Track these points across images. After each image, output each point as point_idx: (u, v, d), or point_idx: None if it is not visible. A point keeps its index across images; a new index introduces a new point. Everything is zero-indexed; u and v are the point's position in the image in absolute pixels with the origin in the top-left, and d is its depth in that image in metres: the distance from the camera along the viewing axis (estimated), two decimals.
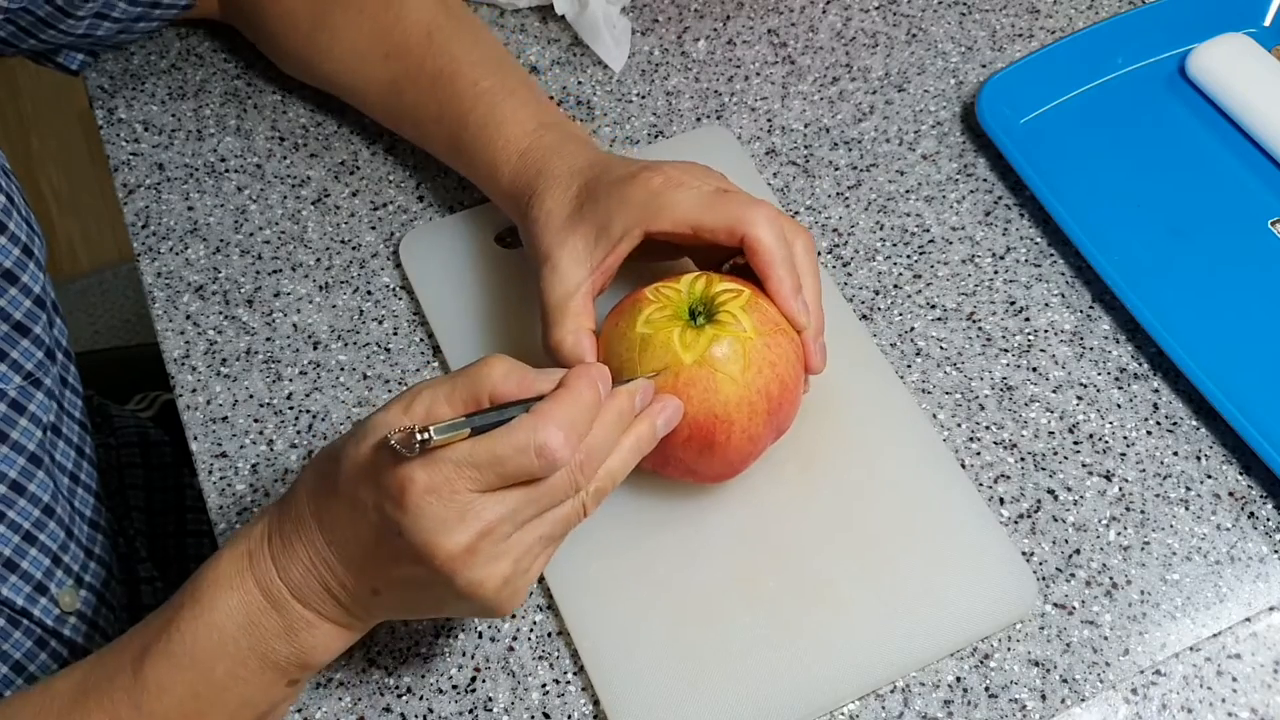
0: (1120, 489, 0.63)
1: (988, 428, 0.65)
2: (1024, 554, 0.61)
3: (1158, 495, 0.63)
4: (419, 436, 0.45)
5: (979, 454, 0.64)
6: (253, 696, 0.51)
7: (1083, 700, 0.57)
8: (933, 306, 0.69)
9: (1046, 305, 0.69)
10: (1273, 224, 0.72)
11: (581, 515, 0.51)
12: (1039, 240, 0.72)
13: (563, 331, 0.58)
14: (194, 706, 0.49)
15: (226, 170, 0.76)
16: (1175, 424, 0.65)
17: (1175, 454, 0.64)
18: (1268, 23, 0.80)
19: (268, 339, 0.69)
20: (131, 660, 0.50)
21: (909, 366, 0.67)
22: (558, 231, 0.60)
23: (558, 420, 0.47)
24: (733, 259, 0.60)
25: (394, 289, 0.71)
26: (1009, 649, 0.59)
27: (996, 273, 0.71)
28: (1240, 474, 0.64)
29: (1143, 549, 0.61)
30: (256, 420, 0.66)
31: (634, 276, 0.62)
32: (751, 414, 0.55)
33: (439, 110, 0.68)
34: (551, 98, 0.76)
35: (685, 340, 0.55)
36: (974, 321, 0.69)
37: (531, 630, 0.59)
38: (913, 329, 0.69)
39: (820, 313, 0.59)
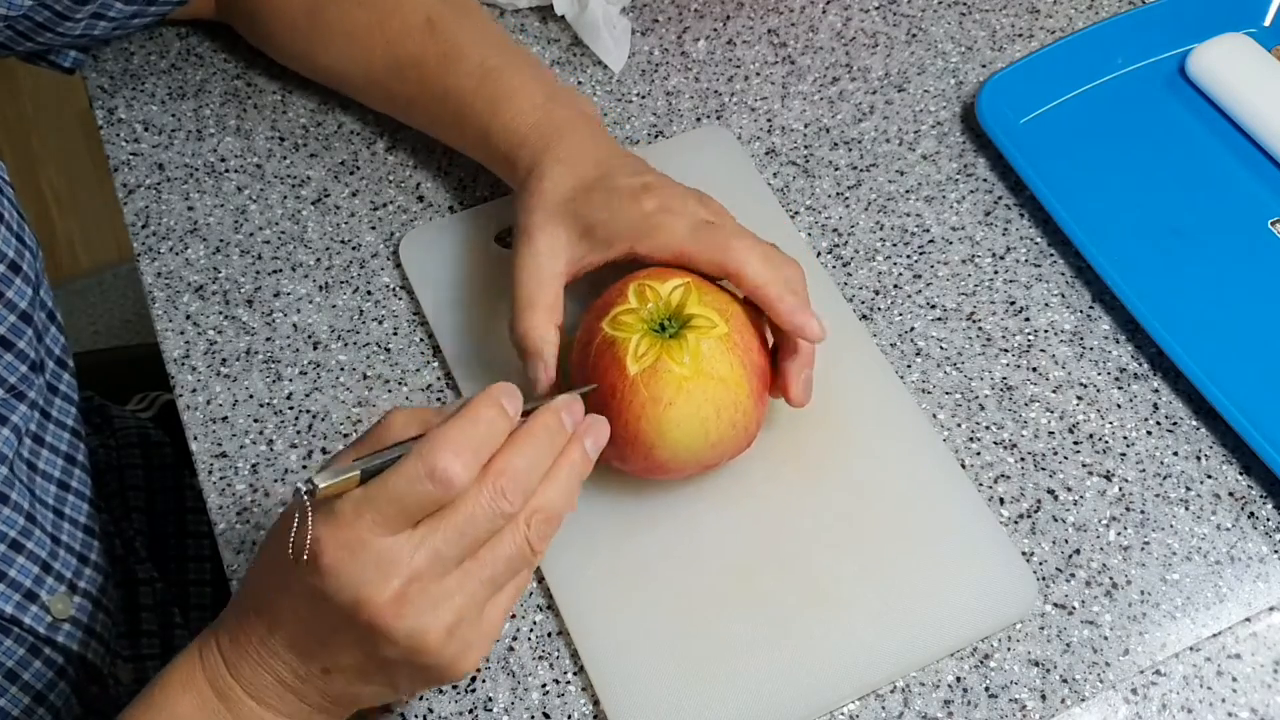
0: (1120, 489, 0.63)
1: (988, 428, 0.65)
2: (1024, 554, 0.61)
3: (1158, 495, 0.63)
4: (304, 489, 0.43)
5: (979, 454, 0.64)
6: None
7: (1083, 700, 0.57)
8: (933, 306, 0.69)
9: (1046, 305, 0.69)
10: (1273, 224, 0.72)
11: (529, 552, 0.47)
12: (1039, 240, 0.72)
13: (530, 323, 0.59)
14: None
15: (226, 170, 0.76)
16: (1175, 424, 0.65)
17: (1175, 454, 0.64)
18: (1268, 23, 0.80)
19: (268, 339, 0.69)
20: None
21: (909, 366, 0.67)
22: (548, 212, 0.61)
23: (447, 439, 0.44)
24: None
25: (394, 289, 0.71)
26: (1009, 649, 0.59)
27: (996, 273, 0.71)
28: (1240, 474, 0.64)
29: (1143, 549, 0.61)
30: (256, 420, 0.66)
31: (607, 270, 0.62)
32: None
33: (444, 89, 0.68)
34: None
35: (717, 326, 0.57)
36: (974, 321, 0.69)
37: (531, 630, 0.59)
38: (913, 329, 0.69)
39: (811, 348, 0.58)
